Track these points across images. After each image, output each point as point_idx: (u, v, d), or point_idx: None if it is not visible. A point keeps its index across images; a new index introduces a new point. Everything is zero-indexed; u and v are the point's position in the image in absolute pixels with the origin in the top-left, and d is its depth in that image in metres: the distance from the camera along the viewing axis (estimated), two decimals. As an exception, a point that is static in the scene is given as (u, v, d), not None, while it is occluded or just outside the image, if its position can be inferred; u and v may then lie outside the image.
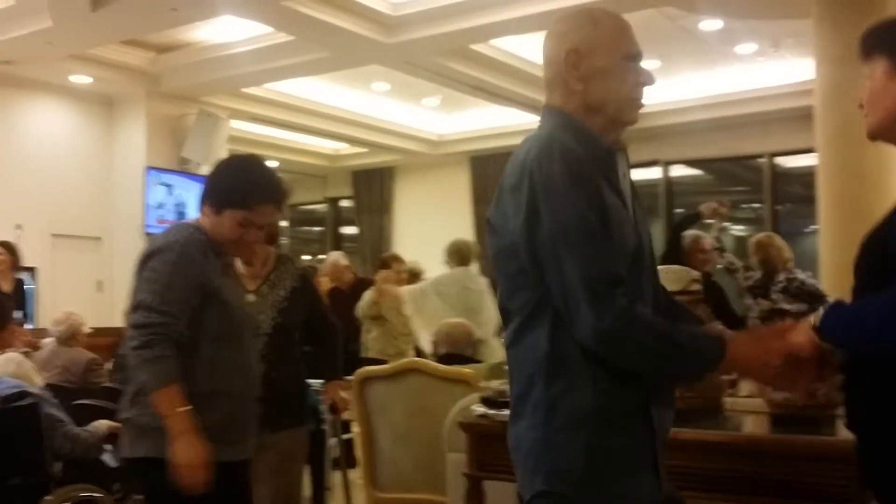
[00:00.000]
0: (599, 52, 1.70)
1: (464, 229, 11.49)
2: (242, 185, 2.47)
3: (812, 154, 5.83)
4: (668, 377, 1.70)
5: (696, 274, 2.54)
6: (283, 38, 7.45)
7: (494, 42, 8.01)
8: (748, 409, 2.53)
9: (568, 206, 1.54)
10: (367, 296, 6.39)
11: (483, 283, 5.86)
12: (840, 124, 5.29)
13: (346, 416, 3.97)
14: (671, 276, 2.47)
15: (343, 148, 12.23)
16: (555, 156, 1.58)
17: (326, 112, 10.09)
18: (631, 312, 1.53)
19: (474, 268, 6.16)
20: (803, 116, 5.69)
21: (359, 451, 4.25)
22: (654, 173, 10.94)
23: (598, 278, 1.53)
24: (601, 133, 1.70)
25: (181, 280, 2.32)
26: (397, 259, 6.85)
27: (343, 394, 3.55)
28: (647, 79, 1.73)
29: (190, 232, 2.42)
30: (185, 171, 8.95)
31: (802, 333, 1.59)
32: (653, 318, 1.58)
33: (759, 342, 1.64)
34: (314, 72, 8.51)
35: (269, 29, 7.38)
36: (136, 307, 2.31)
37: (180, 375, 2.26)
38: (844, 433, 2.20)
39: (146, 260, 2.38)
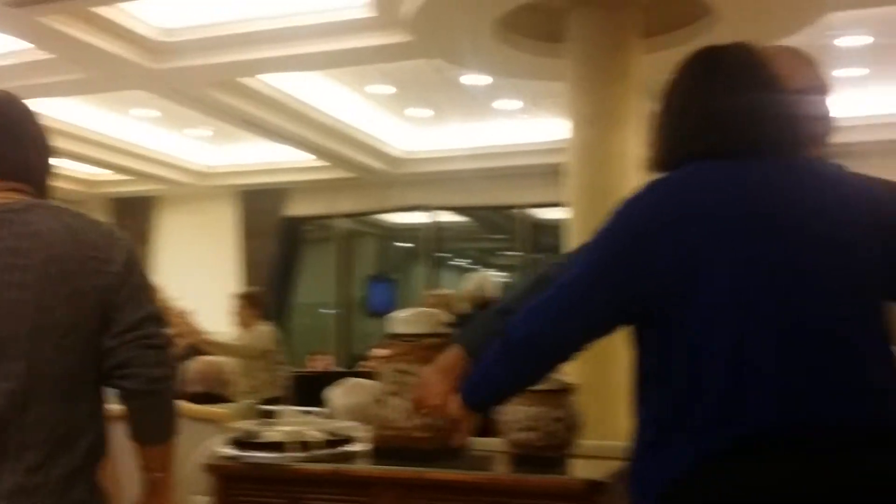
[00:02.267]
0: None
1: (229, 264, 11.24)
2: None
3: (562, 208, 6.20)
4: None
5: (446, 317, 2.62)
6: (43, 55, 7.01)
7: (265, 77, 7.95)
8: (490, 449, 2.62)
9: None
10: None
11: None
12: (589, 181, 5.67)
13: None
14: (421, 320, 2.54)
15: (101, 173, 11.61)
16: None
17: (84, 135, 9.55)
18: None
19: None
20: (554, 172, 6.06)
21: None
22: (421, 218, 11.24)
23: None
24: None
25: None
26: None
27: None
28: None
29: None
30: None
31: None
32: None
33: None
34: (74, 92, 8.05)
35: (30, 45, 6.91)
36: None
37: None
38: (578, 472, 2.35)
39: None
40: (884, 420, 1.40)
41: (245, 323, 6.52)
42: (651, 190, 1.57)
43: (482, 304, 5.68)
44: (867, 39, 6.98)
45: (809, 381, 1.39)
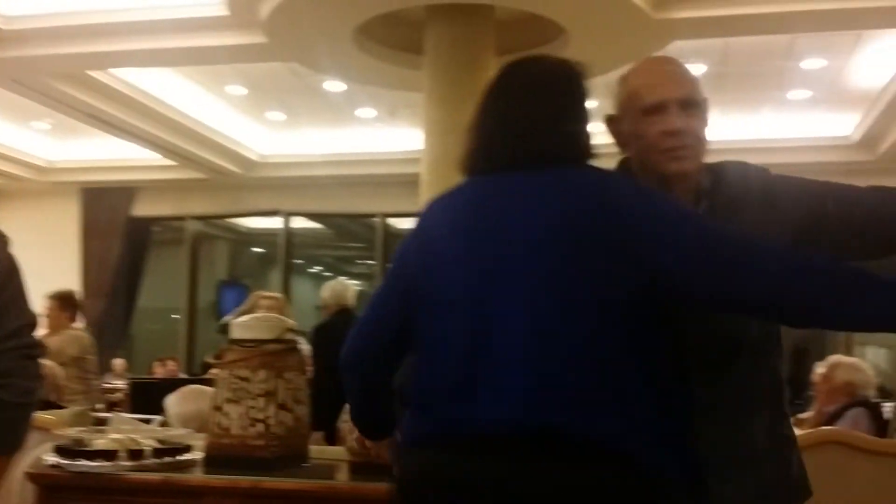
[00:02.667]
0: (623, 117, 1.75)
1: (71, 264, 10.73)
2: None
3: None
4: None
5: (291, 323, 2.59)
6: None
7: (116, 72, 7.67)
8: (331, 457, 2.61)
9: None
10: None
11: None
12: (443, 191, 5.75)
13: None
14: (264, 325, 2.50)
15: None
16: None
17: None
18: None
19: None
20: (412, 182, 6.10)
21: None
22: (276, 223, 11.07)
23: None
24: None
25: None
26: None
27: None
28: (670, 124, 1.68)
29: None
30: None
31: None
32: None
33: None
34: None
35: None
36: None
37: None
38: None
39: None
40: (535, 422, 1.41)
41: (55, 326, 6.05)
42: (422, 210, 1.71)
43: (339, 312, 5.61)
44: (702, 68, 7.40)
45: (469, 380, 1.47)
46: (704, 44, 6.65)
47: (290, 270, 11.27)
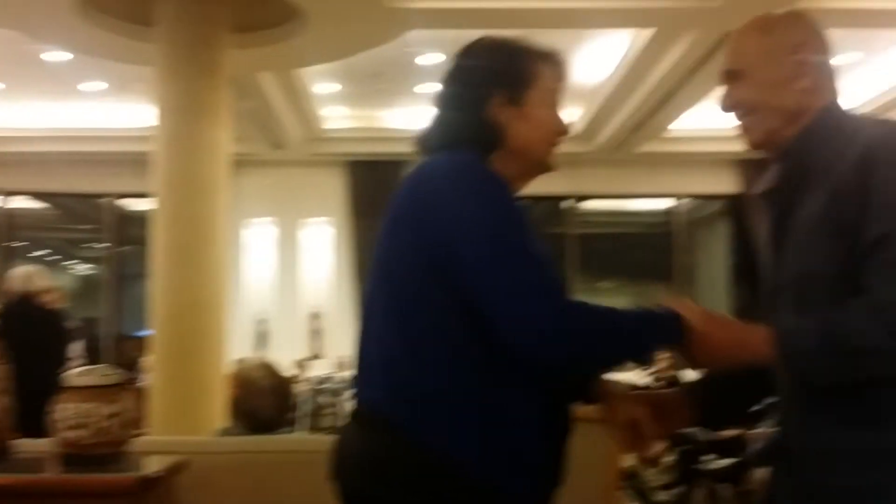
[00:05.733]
0: None
1: None
2: None
3: (149, 198, 5.99)
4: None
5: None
6: None
7: None
8: (38, 450, 2.46)
9: None
10: None
11: None
12: (176, 172, 5.54)
13: None
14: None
15: None
16: None
17: None
18: None
19: None
20: (144, 161, 5.83)
21: None
22: (-7, 202, 10.20)
23: None
24: None
25: None
26: None
27: None
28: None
29: None
30: None
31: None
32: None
33: (737, 331, 1.52)
34: None
35: None
36: None
37: None
38: (132, 469, 2.27)
39: None
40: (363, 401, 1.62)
41: None
42: None
43: (26, 298, 5.22)
44: (441, 57, 7.64)
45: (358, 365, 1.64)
46: (442, 34, 6.85)
47: (9, 254, 10.41)
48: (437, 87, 1.72)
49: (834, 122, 1.55)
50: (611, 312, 1.50)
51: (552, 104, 1.69)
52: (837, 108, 1.59)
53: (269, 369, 2.90)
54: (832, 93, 1.60)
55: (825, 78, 1.59)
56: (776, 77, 1.57)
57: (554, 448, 1.58)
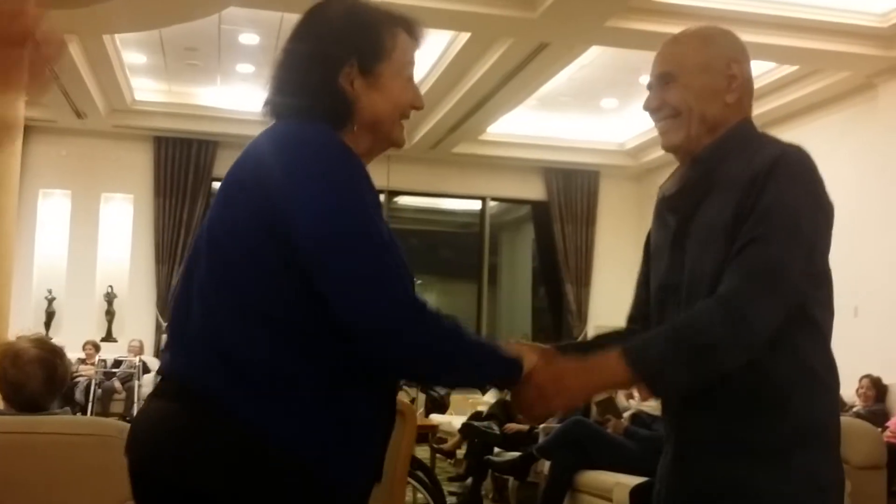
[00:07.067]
0: None
1: None
2: None
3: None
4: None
5: None
6: None
7: None
8: None
9: None
10: None
11: None
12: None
13: None
14: None
15: None
16: None
17: None
18: None
19: None
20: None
21: None
22: None
23: None
24: None
25: None
26: None
27: None
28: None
29: None
30: None
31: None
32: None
33: (583, 374, 1.54)
34: None
35: None
36: None
37: None
38: None
39: None
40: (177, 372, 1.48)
41: None
42: None
43: None
44: (255, 38, 7.49)
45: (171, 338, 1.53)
46: (258, 15, 6.72)
47: None
48: (279, 49, 1.56)
49: (746, 136, 1.64)
50: (457, 333, 1.44)
51: (408, 76, 1.56)
52: (751, 124, 1.68)
53: (39, 342, 2.72)
54: (748, 109, 1.68)
55: (747, 95, 1.67)
56: (708, 87, 1.63)
57: (381, 438, 1.50)
